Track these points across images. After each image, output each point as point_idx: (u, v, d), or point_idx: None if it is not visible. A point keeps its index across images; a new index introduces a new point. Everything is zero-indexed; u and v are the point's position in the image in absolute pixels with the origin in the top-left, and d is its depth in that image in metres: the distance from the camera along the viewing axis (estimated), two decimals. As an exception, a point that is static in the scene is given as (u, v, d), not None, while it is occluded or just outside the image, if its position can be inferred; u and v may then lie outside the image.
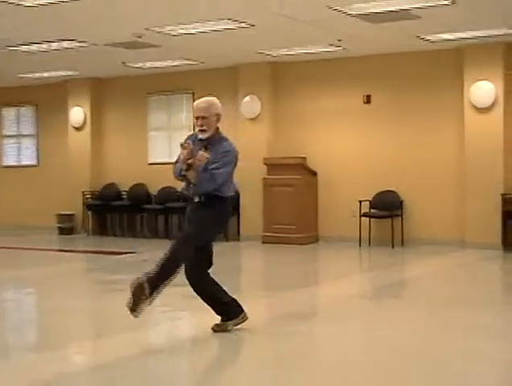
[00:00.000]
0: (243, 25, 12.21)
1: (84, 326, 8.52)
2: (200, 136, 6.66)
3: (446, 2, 10.62)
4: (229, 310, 7.01)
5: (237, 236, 16.26)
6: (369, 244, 14.78)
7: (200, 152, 6.45)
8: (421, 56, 14.57)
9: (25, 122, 20.24)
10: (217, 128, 6.77)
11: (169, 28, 12.53)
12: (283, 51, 14.84)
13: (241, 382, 6.00)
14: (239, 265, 14.24)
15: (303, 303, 9.31)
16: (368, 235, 14.80)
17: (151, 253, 13.70)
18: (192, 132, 16.09)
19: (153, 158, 17.76)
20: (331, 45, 14.06)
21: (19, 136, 20.37)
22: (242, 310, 7.03)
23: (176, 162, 6.79)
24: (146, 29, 12.52)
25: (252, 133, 15.96)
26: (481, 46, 13.68)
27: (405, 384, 5.72)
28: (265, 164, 15.55)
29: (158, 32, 12.78)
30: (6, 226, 19.07)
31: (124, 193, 17.92)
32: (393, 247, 14.44)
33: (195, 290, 6.97)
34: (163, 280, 6.59)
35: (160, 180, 16.87)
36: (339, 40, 13.57)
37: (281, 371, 6.17)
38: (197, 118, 6.66)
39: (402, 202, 14.71)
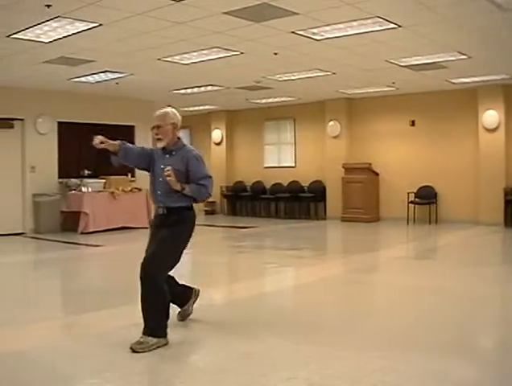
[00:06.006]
0: (328, 73, 12.46)
1: (222, 274, 8.91)
2: (158, 144, 5.11)
3: (464, 57, 10.81)
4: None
5: (324, 216, 16.61)
6: (414, 222, 15.00)
7: (166, 168, 4.92)
8: (448, 94, 14.77)
9: (185, 139, 20.55)
10: (178, 137, 5.13)
11: (278, 76, 12.82)
12: (355, 91, 15.09)
13: (328, 305, 6.45)
14: (325, 236, 14.46)
15: (367, 262, 9.60)
16: (413, 216, 15.05)
17: (267, 227, 14.67)
18: (294, 146, 17.62)
19: (267, 164, 18.24)
20: (387, 86, 14.29)
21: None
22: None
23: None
24: (263, 77, 12.96)
25: (335, 146, 16.50)
26: (488, 86, 13.91)
27: (437, 316, 5.83)
28: (343, 168, 15.91)
29: (270, 79, 13.14)
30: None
31: (248, 187, 18.36)
32: (430, 224, 14.76)
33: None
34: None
35: (272, 178, 17.90)
36: (393, 83, 13.82)
37: (351, 304, 6.58)
38: (153, 128, 5.07)
39: (436, 193, 14.99)
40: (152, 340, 4.75)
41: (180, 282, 5.55)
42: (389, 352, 4.65)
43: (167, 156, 5.12)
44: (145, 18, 7.97)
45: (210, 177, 5.13)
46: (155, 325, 4.84)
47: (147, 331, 4.80)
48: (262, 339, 5.15)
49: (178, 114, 5.20)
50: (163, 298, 4.90)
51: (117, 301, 6.66)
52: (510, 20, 8.26)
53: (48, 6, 7.28)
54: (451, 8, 7.73)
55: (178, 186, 4.95)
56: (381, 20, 8.28)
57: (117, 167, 5.47)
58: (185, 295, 5.61)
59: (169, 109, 5.19)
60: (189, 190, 4.99)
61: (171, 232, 5.02)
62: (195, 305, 5.72)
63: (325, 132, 16.82)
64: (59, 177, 14.04)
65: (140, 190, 14.56)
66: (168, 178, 4.91)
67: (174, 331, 5.25)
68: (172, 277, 5.39)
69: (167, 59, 10.81)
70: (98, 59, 10.68)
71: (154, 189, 5.18)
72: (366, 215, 15.55)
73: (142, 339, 4.76)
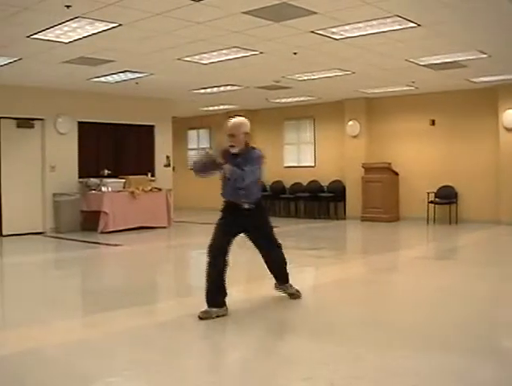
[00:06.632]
0: (347, 73, 12.43)
1: (242, 274, 8.49)
2: (231, 150, 5.77)
3: (485, 56, 10.76)
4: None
5: (343, 216, 16.59)
6: (434, 222, 14.95)
7: (226, 166, 5.67)
8: (468, 93, 14.69)
9: (203, 140, 20.68)
10: (247, 143, 5.88)
11: (297, 75, 12.85)
12: (374, 90, 15.08)
13: (347, 305, 6.46)
14: (345, 236, 14.48)
15: (386, 262, 9.54)
16: (433, 216, 15.02)
17: (286, 227, 14.31)
18: (313, 146, 17.65)
19: (287, 163, 18.32)
20: (407, 85, 14.24)
21: (199, 148, 20.46)
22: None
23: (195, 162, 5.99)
24: (282, 77, 12.99)
25: (354, 146, 16.50)
26: (509, 85, 13.75)
27: (458, 316, 5.77)
28: (363, 167, 15.93)
29: (289, 78, 13.15)
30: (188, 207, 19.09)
31: (267, 186, 17.95)
32: (450, 224, 14.66)
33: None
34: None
35: (291, 178, 17.99)
36: (412, 82, 13.78)
37: (371, 304, 6.64)
38: (228, 136, 5.76)
39: (456, 193, 14.89)
40: (292, 288, 6.39)
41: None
42: (409, 352, 4.62)
43: (238, 159, 5.77)
44: (164, 19, 8.00)
45: (252, 172, 5.73)
46: (293, 291, 6.37)
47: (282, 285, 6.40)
48: (281, 338, 5.19)
49: (248, 123, 5.96)
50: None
51: (136, 300, 6.68)
52: (531, 19, 8.19)
53: (68, 6, 7.33)
54: (471, 6, 7.67)
55: (221, 160, 5.70)
56: (400, 19, 8.25)
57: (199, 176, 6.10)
58: (218, 298, 5.74)
59: (242, 119, 5.94)
60: (227, 168, 5.69)
61: (265, 223, 6.21)
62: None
63: (345, 131, 16.79)
64: (79, 176, 14.12)
65: (160, 189, 14.64)
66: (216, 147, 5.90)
67: (192, 329, 5.31)
68: (227, 262, 5.82)
69: (186, 59, 10.84)
70: (118, 59, 10.74)
71: (235, 188, 5.78)
72: (386, 214, 15.52)
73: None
